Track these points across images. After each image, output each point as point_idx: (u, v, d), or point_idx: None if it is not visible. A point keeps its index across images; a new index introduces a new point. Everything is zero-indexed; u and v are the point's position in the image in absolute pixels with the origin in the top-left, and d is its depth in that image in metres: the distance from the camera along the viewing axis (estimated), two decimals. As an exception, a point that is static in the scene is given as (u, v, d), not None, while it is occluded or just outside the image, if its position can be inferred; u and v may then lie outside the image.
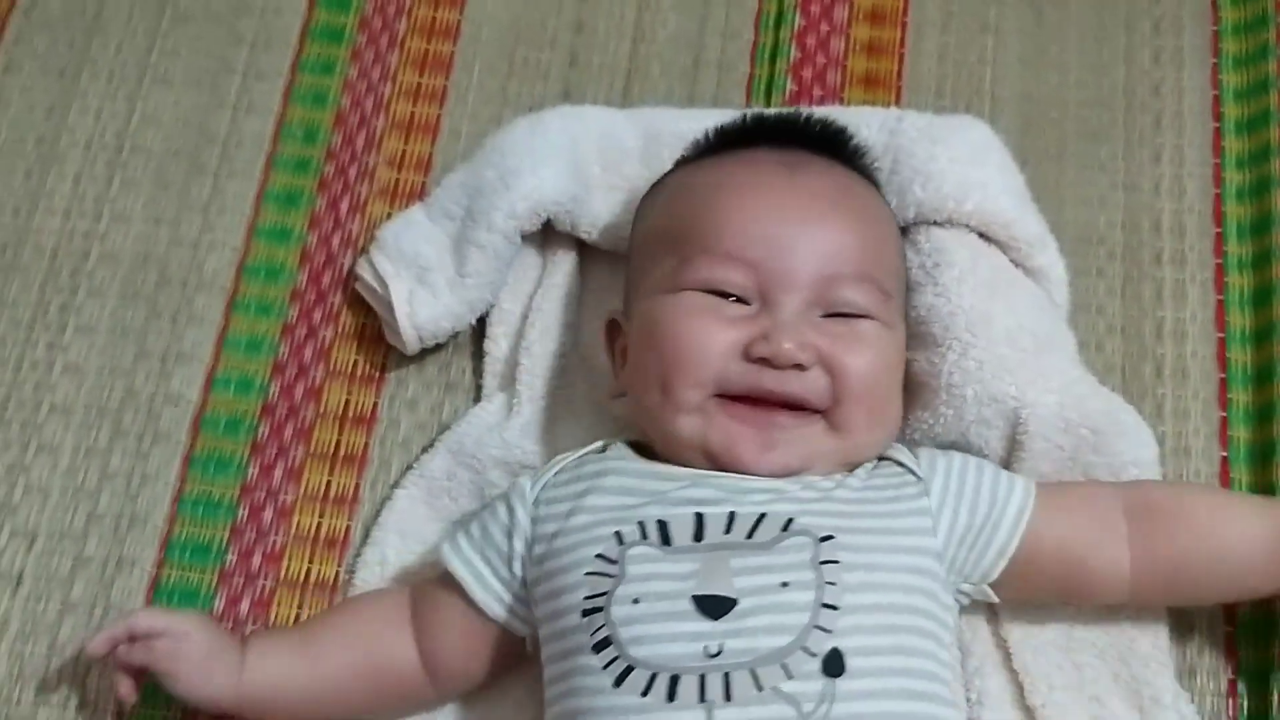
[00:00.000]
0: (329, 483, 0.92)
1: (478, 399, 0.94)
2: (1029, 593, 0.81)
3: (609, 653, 0.72)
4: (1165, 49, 1.05)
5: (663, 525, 0.75)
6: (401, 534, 0.90)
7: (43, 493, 0.91)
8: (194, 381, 0.95)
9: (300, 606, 0.89)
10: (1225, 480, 0.91)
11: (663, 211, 0.84)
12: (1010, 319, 0.87)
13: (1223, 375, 0.94)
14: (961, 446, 0.87)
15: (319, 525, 0.91)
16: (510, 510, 0.80)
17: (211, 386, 0.95)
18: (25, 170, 1.01)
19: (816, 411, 0.78)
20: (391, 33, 1.06)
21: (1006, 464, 0.86)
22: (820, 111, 0.96)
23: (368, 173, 1.01)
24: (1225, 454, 0.92)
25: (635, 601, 0.73)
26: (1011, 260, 0.92)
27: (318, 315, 0.97)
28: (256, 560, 0.90)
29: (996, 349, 0.86)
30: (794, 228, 0.80)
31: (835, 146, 0.87)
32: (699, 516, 0.75)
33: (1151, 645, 0.84)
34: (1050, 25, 1.06)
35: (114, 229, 0.99)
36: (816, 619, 0.71)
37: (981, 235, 0.91)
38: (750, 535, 0.74)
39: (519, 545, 0.79)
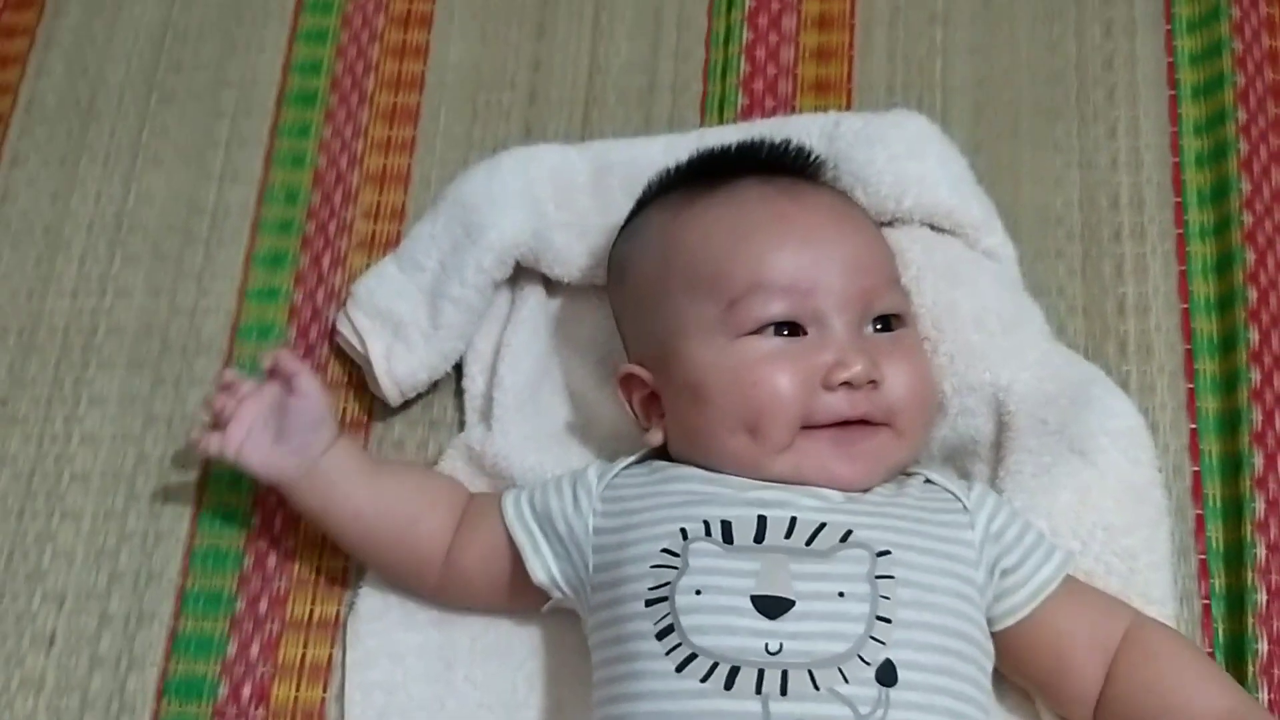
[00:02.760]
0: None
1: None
2: (1006, 664, 0.82)
3: (671, 639, 0.76)
4: (1117, 20, 1.04)
5: (726, 525, 0.79)
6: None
7: (68, 556, 0.98)
8: (198, 442, 1.01)
9: (306, 646, 0.94)
10: (1195, 452, 0.91)
11: (675, 256, 0.86)
12: (974, 304, 0.90)
13: (1188, 346, 0.94)
14: (952, 439, 0.89)
15: (319, 567, 0.96)
16: (576, 501, 0.84)
17: (214, 445, 1.01)
18: (35, 256, 1.08)
19: (882, 423, 0.82)
20: (360, 90, 1.11)
21: (997, 446, 0.88)
22: (761, 125, 0.99)
23: (346, 227, 1.06)
24: (1194, 426, 0.92)
25: (697, 592, 0.77)
26: (965, 245, 0.93)
27: (307, 368, 1.02)
28: (264, 605, 0.95)
29: (965, 337, 0.89)
30: (827, 248, 0.83)
31: (808, 168, 0.90)
32: (761, 519, 0.79)
33: (1163, 593, 0.84)
34: (999, 6, 1.06)
35: (118, 303, 1.06)
36: (871, 630, 0.75)
37: (932, 227, 0.93)
38: (809, 542, 0.77)
39: (579, 537, 0.83)
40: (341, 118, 1.10)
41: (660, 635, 0.76)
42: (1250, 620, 0.85)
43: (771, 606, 0.75)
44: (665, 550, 0.79)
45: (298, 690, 0.93)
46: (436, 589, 0.89)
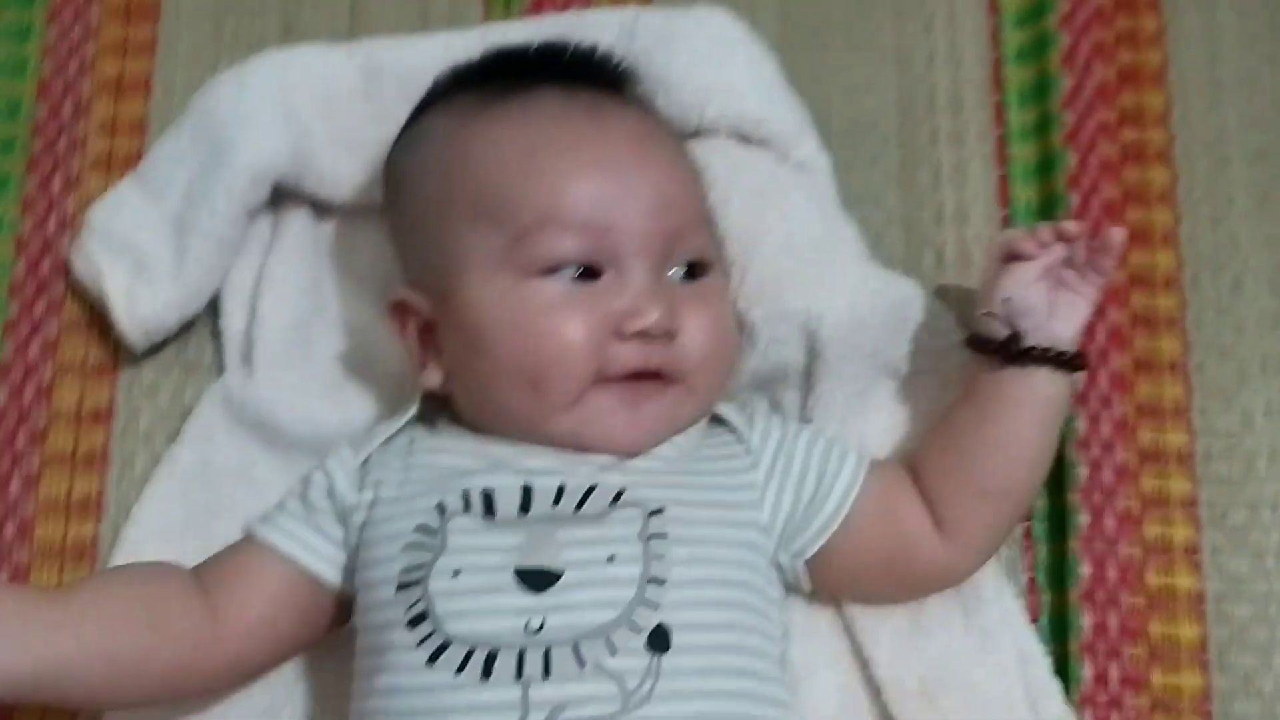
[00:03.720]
0: (71, 489, 0.86)
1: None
2: (846, 578, 0.77)
3: (424, 628, 0.68)
4: (929, -100, 0.96)
5: (487, 496, 0.71)
6: (157, 534, 0.84)
7: None
8: (-87, 396, 0.88)
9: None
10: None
11: (460, 174, 0.76)
12: (785, 227, 0.83)
13: (1009, 257, 0.88)
14: (763, 369, 0.83)
15: (65, 535, 0.85)
16: (329, 476, 0.75)
17: (-66, 400, 0.88)
18: None
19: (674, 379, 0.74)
20: (89, -17, 0.96)
21: (809, 375, 0.82)
22: (553, 22, 0.89)
23: (79, 143, 0.93)
24: (1014, 341, 0.87)
25: (455, 574, 0.69)
26: (776, 159, 0.85)
27: (40, 308, 0.90)
28: (1, 579, 0.84)
29: (776, 263, 0.82)
30: (630, 183, 0.74)
31: (615, 80, 0.80)
32: (526, 489, 0.71)
33: None
34: (805, -112, 0.97)
35: None
36: (644, 594, 0.68)
37: (740, 139, 0.85)
38: (579, 508, 0.71)
39: (341, 516, 0.74)
40: (68, 17, 0.96)
41: (411, 623, 0.69)
42: (1071, 544, 0.81)
43: (537, 580, 0.68)
44: (420, 528, 0.71)
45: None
46: (220, 679, 0.75)
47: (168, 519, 0.84)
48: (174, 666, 0.73)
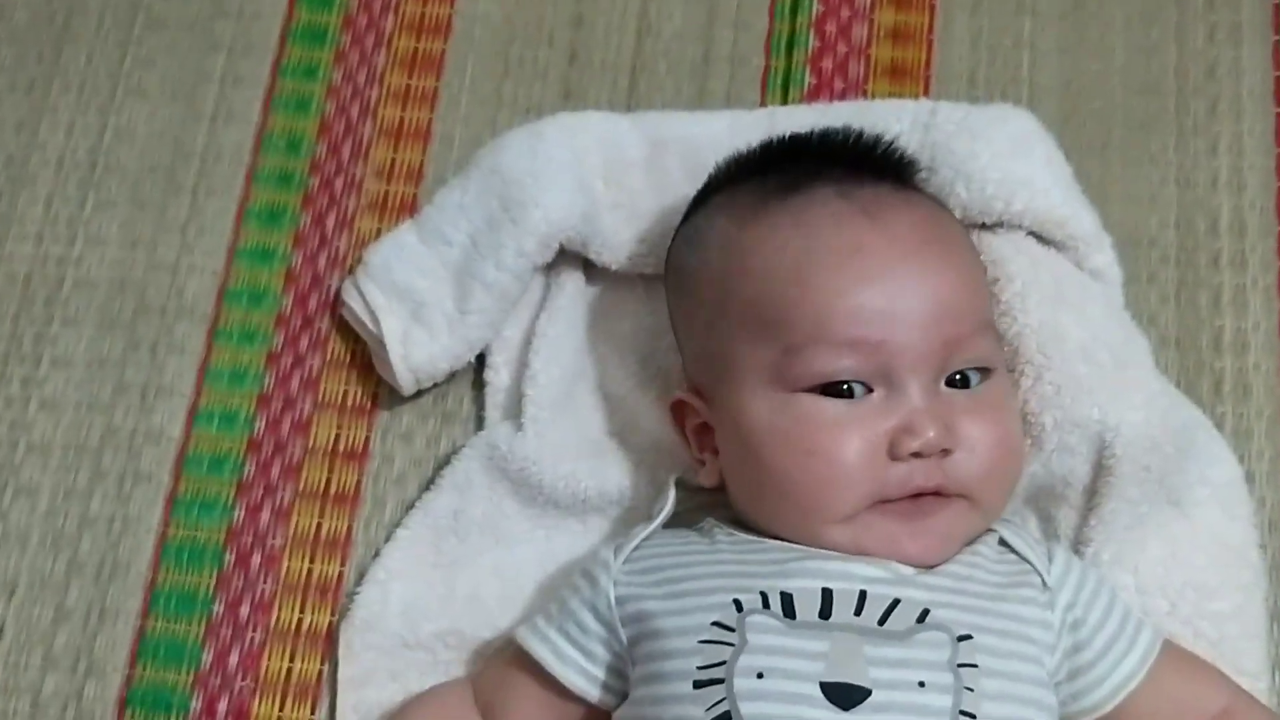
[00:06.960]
0: (320, 524, 0.87)
1: (478, 430, 0.88)
2: None
3: None
4: (1221, 24, 0.96)
5: (787, 597, 0.69)
6: (404, 576, 0.84)
7: (21, 539, 0.86)
8: (176, 417, 0.89)
9: (292, 659, 0.83)
10: (1291, 508, 0.84)
11: (733, 285, 0.75)
12: (1083, 331, 0.81)
13: (1289, 390, 0.87)
14: (1041, 478, 0.81)
15: (310, 570, 0.86)
16: (592, 581, 0.74)
17: (194, 422, 0.89)
18: (-4, 192, 0.95)
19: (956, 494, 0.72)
20: (378, 31, 0.98)
21: (1092, 490, 0.80)
22: (843, 109, 0.89)
23: (355, 185, 0.94)
24: (1292, 478, 0.85)
25: (760, 676, 0.67)
26: (1073, 261, 0.85)
27: (304, 342, 0.91)
28: (245, 610, 0.85)
29: (1073, 368, 0.80)
30: (907, 294, 0.72)
31: (898, 171, 0.79)
32: (826, 591, 0.69)
33: (1257, 664, 0.78)
34: (1092, 3, 0.97)
35: (89, 253, 0.93)
36: None
37: (1036, 237, 0.84)
38: (882, 621, 0.68)
39: (605, 615, 0.73)
40: (354, 60, 0.98)
41: None
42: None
43: (845, 695, 0.66)
44: (717, 624, 0.69)
45: (281, 709, 0.82)
46: None
47: (416, 562, 0.84)
48: None
